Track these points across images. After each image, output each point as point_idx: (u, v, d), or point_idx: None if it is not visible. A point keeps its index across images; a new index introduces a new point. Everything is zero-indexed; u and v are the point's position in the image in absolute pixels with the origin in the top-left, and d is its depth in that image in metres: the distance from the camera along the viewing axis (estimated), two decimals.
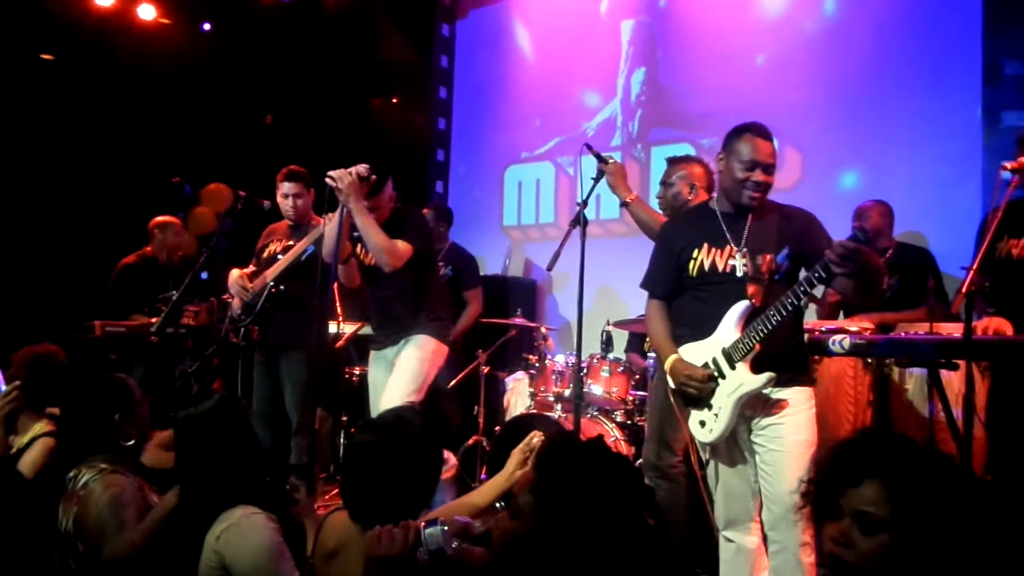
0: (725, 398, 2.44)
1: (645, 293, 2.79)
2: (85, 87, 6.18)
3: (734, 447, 2.54)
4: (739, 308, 2.45)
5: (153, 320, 4.44)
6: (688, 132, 5.52)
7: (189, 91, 6.45)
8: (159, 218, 5.23)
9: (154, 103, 6.36)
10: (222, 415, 2.03)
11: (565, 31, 6.23)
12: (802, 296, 2.31)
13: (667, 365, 2.59)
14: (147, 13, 6.26)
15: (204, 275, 4.13)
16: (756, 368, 2.40)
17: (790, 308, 2.32)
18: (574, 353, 4.68)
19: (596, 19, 6.11)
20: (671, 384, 2.60)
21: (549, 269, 3.22)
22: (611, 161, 3.24)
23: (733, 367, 2.43)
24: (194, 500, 2.01)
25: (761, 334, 2.37)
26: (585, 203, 3.13)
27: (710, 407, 2.48)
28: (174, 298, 4.00)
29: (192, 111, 6.49)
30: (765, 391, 2.42)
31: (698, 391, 2.48)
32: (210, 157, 6.46)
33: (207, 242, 4.46)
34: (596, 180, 3.23)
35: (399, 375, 3.33)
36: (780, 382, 2.43)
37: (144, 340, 4.33)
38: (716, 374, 2.46)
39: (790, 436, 2.41)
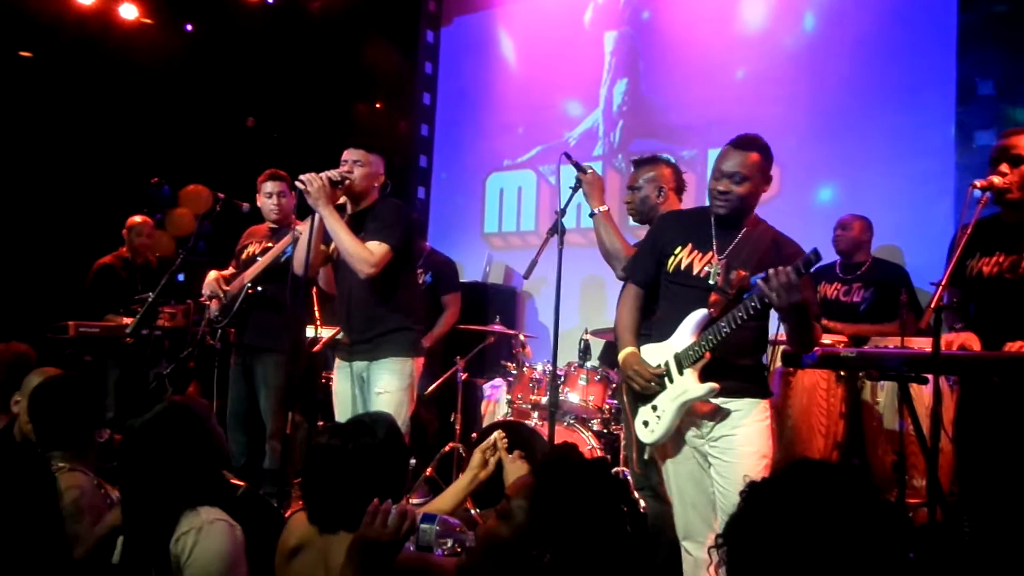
0: (669, 402, 2.46)
1: None
2: (65, 86, 6.13)
3: (690, 458, 2.54)
4: (696, 316, 2.47)
5: (128, 321, 4.40)
6: (669, 143, 5.56)
7: (170, 92, 6.42)
8: (130, 219, 5.18)
9: (135, 103, 6.32)
10: (170, 421, 1.99)
11: (549, 40, 6.26)
12: (750, 312, 2.33)
13: (620, 356, 2.61)
14: (129, 13, 6.21)
15: (181, 276, 4.11)
16: (705, 377, 2.43)
17: (738, 322, 2.35)
18: (551, 361, 4.72)
19: (580, 29, 6.15)
20: (622, 375, 2.63)
21: (526, 277, 3.22)
22: (589, 171, 3.24)
23: (681, 373, 2.46)
24: (138, 506, 1.97)
25: (711, 344, 2.40)
26: (563, 211, 3.13)
27: (655, 408, 2.50)
28: (150, 299, 3.96)
29: (173, 112, 6.45)
30: (717, 401, 2.45)
31: (642, 387, 2.51)
32: (190, 158, 6.43)
33: (185, 243, 4.43)
34: (574, 189, 3.23)
35: (385, 409, 3.06)
36: (733, 393, 2.45)
37: (119, 341, 4.28)
38: (666, 376, 2.49)
39: (741, 447, 2.43)
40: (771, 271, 2.24)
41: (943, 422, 2.41)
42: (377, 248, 3.15)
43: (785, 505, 1.16)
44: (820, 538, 1.11)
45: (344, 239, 3.12)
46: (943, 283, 2.38)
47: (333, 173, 3.18)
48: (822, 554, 1.10)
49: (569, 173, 3.25)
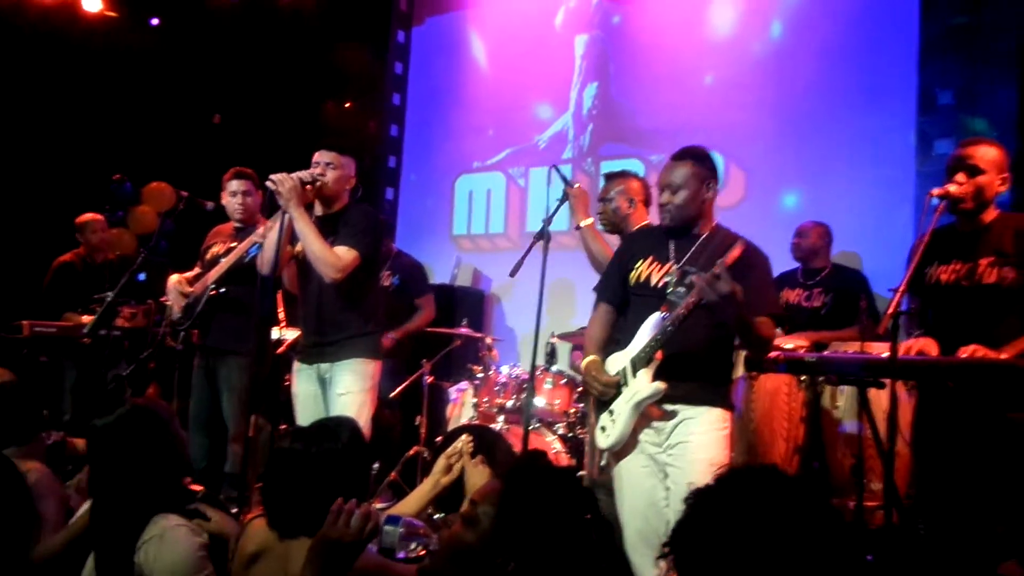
0: (623, 404, 2.51)
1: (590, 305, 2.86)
2: (26, 79, 6.00)
3: (646, 466, 2.55)
4: (652, 320, 2.52)
5: (86, 320, 4.31)
6: (638, 148, 5.60)
7: (134, 87, 6.31)
8: (79, 217, 5.07)
9: (97, 98, 6.21)
10: (134, 425, 1.96)
11: (520, 43, 6.26)
12: (688, 308, 2.37)
13: (583, 364, 2.69)
14: (93, 5, 6.10)
15: (141, 276, 4.03)
16: (656, 378, 2.47)
17: (679, 318, 2.40)
18: (518, 364, 4.72)
19: (551, 32, 6.16)
20: (583, 382, 2.71)
21: (512, 275, 3.35)
22: (576, 185, 3.42)
23: (635, 375, 2.50)
24: (107, 514, 1.94)
25: (658, 342, 2.45)
26: (550, 220, 3.26)
27: (611, 412, 2.55)
28: (109, 299, 3.88)
29: (137, 107, 6.34)
30: (673, 408, 2.48)
31: (599, 393, 2.57)
32: (154, 155, 6.33)
33: (147, 242, 4.36)
34: (561, 202, 3.38)
35: (348, 412, 3.08)
36: (690, 400, 2.49)
37: (76, 341, 4.20)
38: (623, 382, 2.54)
39: (694, 455, 2.45)
40: (695, 277, 2.33)
41: (900, 426, 2.45)
42: (345, 254, 3.14)
43: (727, 511, 1.16)
44: (762, 543, 1.12)
45: (312, 242, 3.10)
46: (901, 289, 2.42)
47: (305, 174, 3.15)
48: (765, 559, 1.11)
49: (540, 177, 3.33)
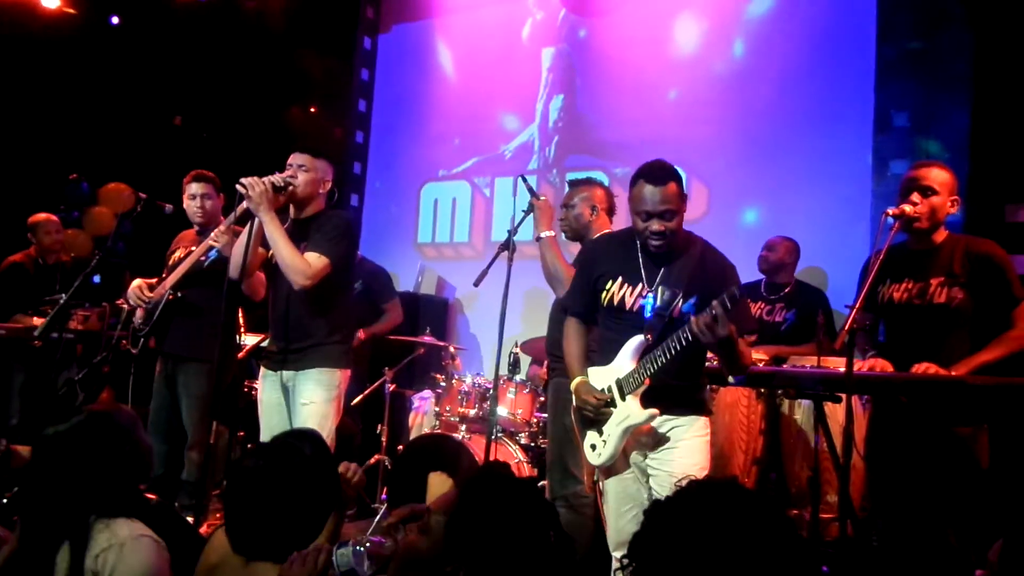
0: (614, 426, 2.52)
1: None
2: None
3: (630, 475, 2.59)
4: (634, 342, 2.52)
5: (38, 322, 4.19)
6: (602, 160, 5.65)
7: (93, 85, 6.18)
8: (32, 217, 4.94)
9: (54, 96, 6.06)
10: (90, 433, 1.89)
11: (487, 53, 6.29)
12: (682, 343, 2.36)
13: (572, 385, 2.66)
14: (51, 2, 5.97)
15: (96, 278, 3.93)
16: (646, 401, 2.48)
17: (673, 352, 2.39)
18: (481, 373, 4.72)
19: (518, 44, 6.20)
20: (575, 402, 2.65)
21: (476, 284, 3.36)
22: (543, 198, 3.41)
23: (623, 398, 2.51)
24: (38, 531, 1.85)
25: (649, 371, 2.45)
26: (515, 230, 3.27)
27: (601, 432, 2.56)
28: (62, 300, 3.78)
29: (96, 107, 6.21)
30: (660, 421, 2.50)
31: (593, 415, 2.56)
32: (112, 156, 6.20)
33: (103, 243, 4.25)
34: (527, 212, 3.40)
35: (311, 421, 3.04)
36: (675, 411, 2.51)
37: (26, 343, 4.07)
38: (610, 402, 2.54)
39: (680, 459, 2.48)
40: (693, 319, 2.29)
41: (855, 440, 2.50)
42: (316, 261, 3.08)
43: (685, 523, 1.18)
44: (719, 555, 1.14)
45: (282, 248, 3.04)
46: (856, 306, 2.48)
47: (276, 178, 3.10)
48: (722, 571, 1.13)
49: (506, 187, 3.33)
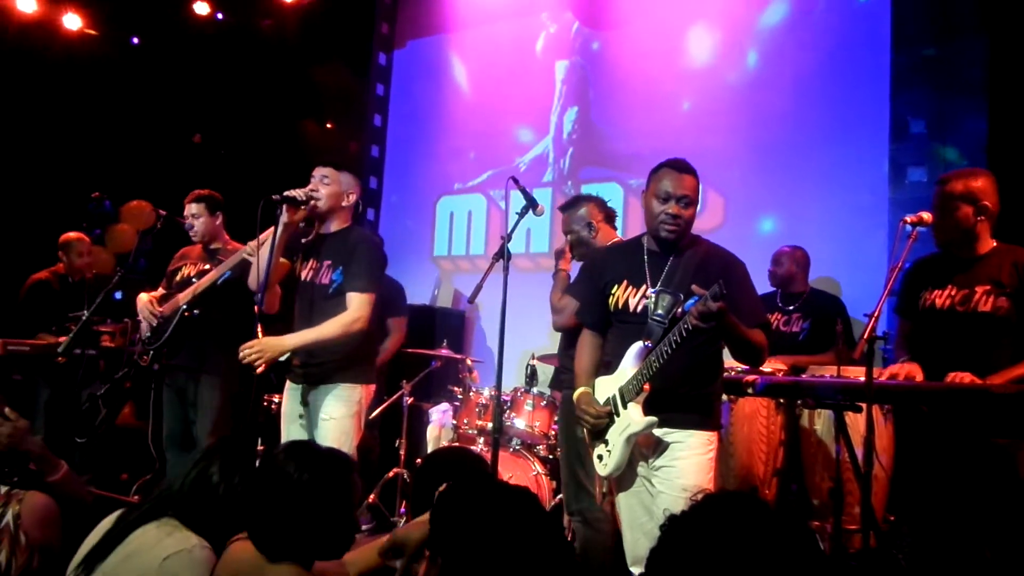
0: (617, 436, 2.49)
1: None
2: (4, 95, 5.94)
3: (641, 487, 2.57)
4: (635, 348, 2.50)
5: (61, 339, 4.24)
6: (617, 171, 5.66)
7: (115, 105, 6.28)
8: (64, 235, 5.01)
9: (77, 115, 6.16)
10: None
11: (501, 67, 6.33)
12: (682, 335, 2.32)
13: (575, 396, 2.65)
14: (73, 23, 6.08)
15: (118, 295, 3.99)
16: (648, 409, 2.46)
17: (674, 346, 2.34)
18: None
19: (532, 57, 6.24)
20: (576, 413, 2.65)
21: (471, 301, 3.31)
22: (540, 205, 3.32)
23: (625, 407, 2.48)
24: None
25: (646, 376, 2.42)
26: (509, 237, 3.19)
27: (606, 443, 2.54)
28: (84, 317, 3.83)
29: (117, 126, 6.30)
30: (659, 433, 2.47)
31: (592, 425, 2.55)
32: (133, 173, 6.28)
33: (125, 260, 4.31)
34: (521, 215, 3.28)
35: (331, 437, 3.03)
36: (679, 424, 2.48)
37: (50, 360, 4.13)
38: (613, 411, 2.52)
39: (678, 480, 2.45)
40: (691, 312, 2.28)
41: (876, 450, 2.47)
42: (360, 304, 3.08)
43: (702, 538, 1.18)
44: (737, 570, 1.13)
45: (320, 335, 3.05)
46: (875, 314, 2.46)
47: (299, 192, 3.11)
48: None
49: (521, 200, 3.30)
